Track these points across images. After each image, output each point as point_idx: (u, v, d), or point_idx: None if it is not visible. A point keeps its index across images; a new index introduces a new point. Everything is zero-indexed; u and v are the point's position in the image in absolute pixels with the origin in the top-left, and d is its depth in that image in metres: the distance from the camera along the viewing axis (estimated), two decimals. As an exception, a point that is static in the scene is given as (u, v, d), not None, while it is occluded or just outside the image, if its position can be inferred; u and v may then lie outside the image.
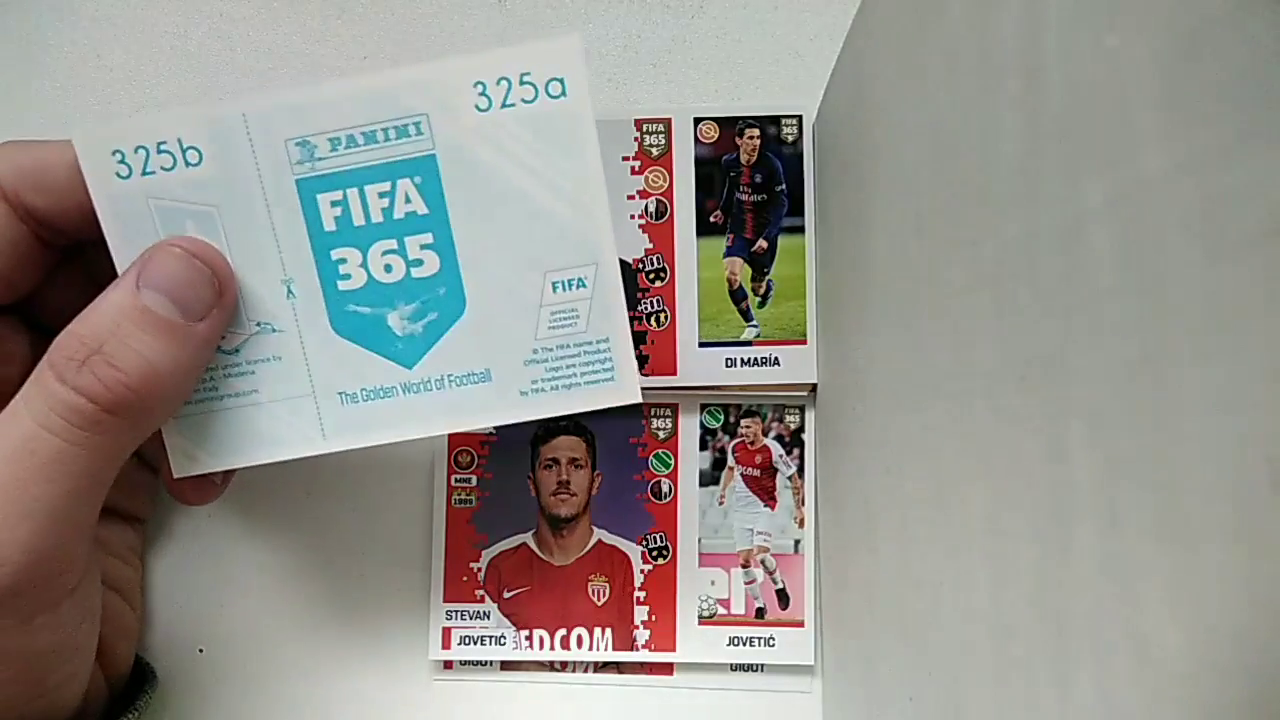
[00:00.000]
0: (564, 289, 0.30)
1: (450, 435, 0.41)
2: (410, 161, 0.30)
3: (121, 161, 0.29)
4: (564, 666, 0.41)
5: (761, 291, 0.41)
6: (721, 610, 0.41)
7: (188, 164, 0.29)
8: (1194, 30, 0.15)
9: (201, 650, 0.41)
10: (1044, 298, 0.20)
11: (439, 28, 0.42)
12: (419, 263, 0.30)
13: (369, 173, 0.30)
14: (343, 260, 0.30)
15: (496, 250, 0.30)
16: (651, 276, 0.40)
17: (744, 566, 0.41)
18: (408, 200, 0.30)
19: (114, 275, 0.29)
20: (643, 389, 0.32)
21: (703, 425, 0.41)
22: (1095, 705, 0.18)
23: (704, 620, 0.41)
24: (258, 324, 0.30)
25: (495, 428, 0.41)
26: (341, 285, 0.30)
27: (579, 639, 0.41)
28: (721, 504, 0.41)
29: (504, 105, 0.29)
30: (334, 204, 0.30)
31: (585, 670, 0.41)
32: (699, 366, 0.40)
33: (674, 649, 0.41)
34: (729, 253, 0.41)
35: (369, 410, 0.31)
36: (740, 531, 0.41)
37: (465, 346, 0.31)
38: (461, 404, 0.31)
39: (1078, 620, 0.19)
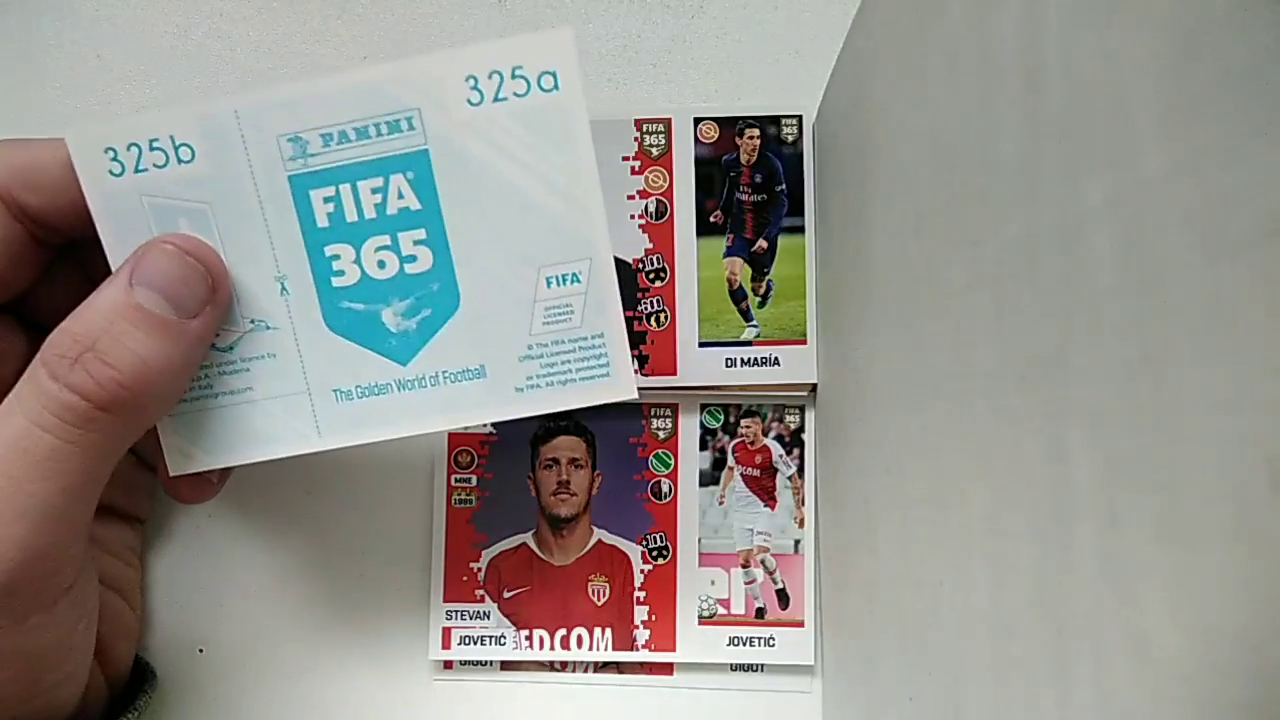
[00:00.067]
0: (558, 284, 0.30)
1: (450, 435, 0.41)
2: (403, 157, 0.29)
3: (114, 159, 0.29)
4: (564, 666, 0.41)
5: (761, 291, 0.41)
6: (721, 610, 0.41)
7: (180, 161, 0.29)
8: (1194, 30, 0.15)
9: (201, 650, 0.41)
10: (1044, 298, 0.20)
11: (439, 28, 0.42)
12: (412, 259, 0.30)
13: (361, 168, 0.29)
14: (336, 256, 0.30)
15: (490, 245, 0.30)
16: (651, 276, 0.40)
17: (744, 566, 0.41)
18: (400, 196, 0.30)
19: (108, 273, 0.28)
20: (643, 389, 0.32)
21: (703, 425, 0.41)
22: (1095, 705, 0.18)
23: (704, 620, 0.41)
24: (252, 321, 0.30)
25: (495, 427, 0.41)
26: (335, 282, 0.30)
27: (579, 639, 0.41)
28: (721, 504, 0.41)
29: (496, 99, 0.29)
30: (327, 200, 0.30)
31: (585, 670, 0.41)
32: (699, 366, 0.40)
33: (674, 649, 0.41)
34: (729, 253, 0.41)
35: (364, 407, 0.31)
36: (740, 531, 0.41)
37: (460, 342, 0.31)
38: (457, 400, 0.31)
39: (1078, 620, 0.19)
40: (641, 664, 0.41)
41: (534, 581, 0.41)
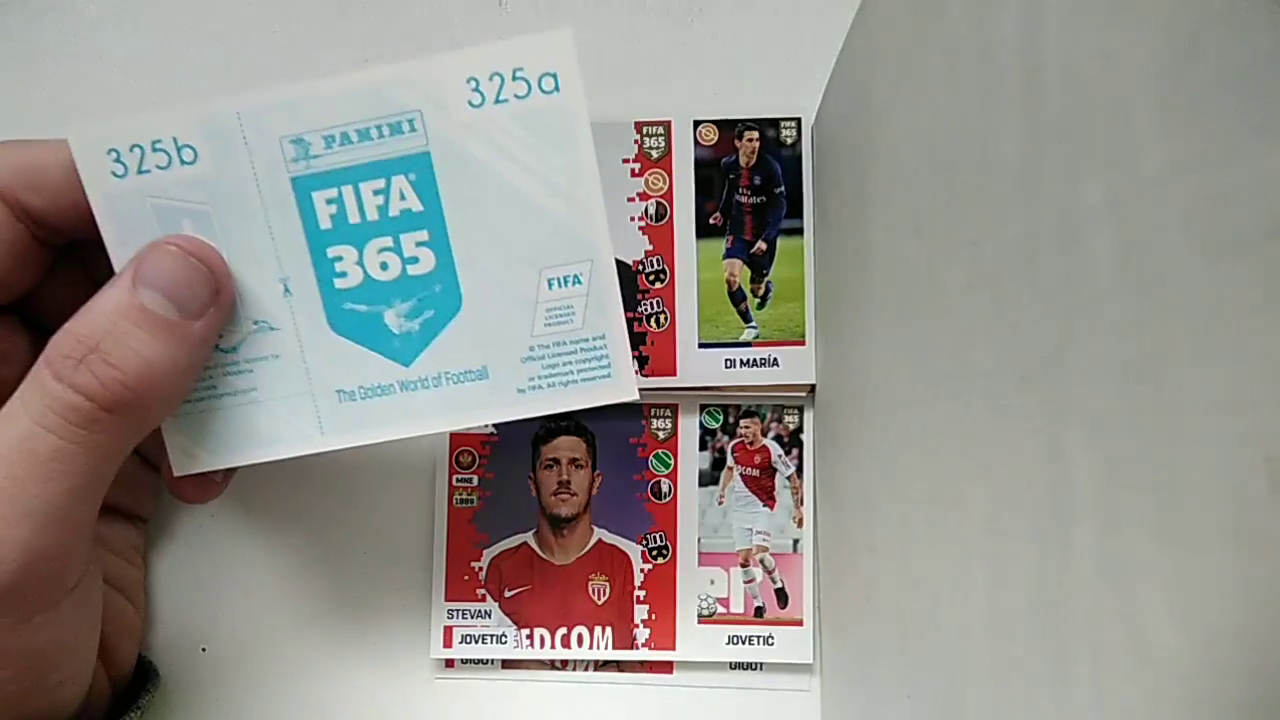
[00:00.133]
0: (559, 286, 0.30)
1: (451, 435, 0.41)
2: (404, 159, 0.30)
3: (117, 160, 0.29)
4: (564, 665, 0.41)
5: (760, 293, 0.41)
6: (721, 609, 0.41)
7: (183, 162, 0.29)
8: (1194, 30, 0.15)
9: (204, 649, 0.41)
10: (1044, 298, 0.20)
11: (439, 30, 0.42)
12: (415, 260, 0.30)
13: (364, 170, 0.29)
14: (339, 258, 0.30)
15: (492, 247, 0.30)
16: (651, 278, 0.40)
17: (743, 566, 0.41)
18: (403, 197, 0.30)
19: (111, 274, 0.29)
20: (643, 389, 0.32)
21: (702, 425, 0.41)
22: (1095, 705, 0.18)
23: (703, 619, 0.41)
24: (255, 322, 0.30)
25: (496, 427, 0.41)
26: (338, 283, 0.30)
27: (579, 638, 0.41)
28: (721, 504, 0.41)
29: (497, 101, 0.29)
30: (329, 202, 0.30)
31: (585, 669, 0.41)
32: (698, 367, 0.40)
33: (674, 648, 0.41)
34: (728, 254, 0.41)
35: (367, 408, 0.31)
36: (739, 531, 0.41)
37: (462, 344, 0.31)
38: (459, 401, 0.31)
39: (1077, 620, 0.19)
40: (641, 662, 0.41)
41: (535, 581, 0.41)
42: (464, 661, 0.41)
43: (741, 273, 0.41)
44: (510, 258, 0.30)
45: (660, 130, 0.41)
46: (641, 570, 0.41)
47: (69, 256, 0.32)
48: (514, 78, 0.29)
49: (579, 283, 0.30)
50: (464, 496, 0.41)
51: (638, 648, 0.41)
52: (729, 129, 0.41)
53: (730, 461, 0.41)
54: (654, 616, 0.41)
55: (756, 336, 0.40)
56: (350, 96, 0.29)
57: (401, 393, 0.31)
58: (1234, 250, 0.14)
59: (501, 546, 0.41)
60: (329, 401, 0.31)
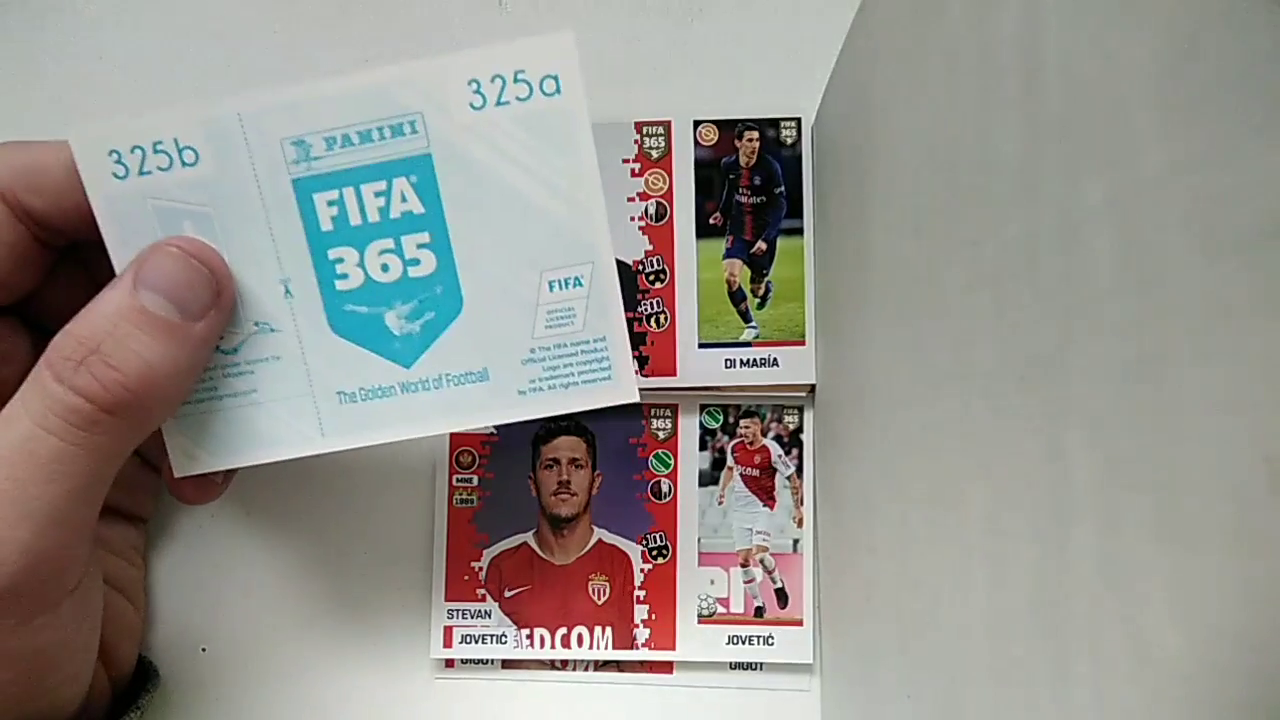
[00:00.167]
0: (560, 288, 0.30)
1: (451, 435, 0.41)
2: (406, 160, 0.30)
3: (118, 162, 0.29)
4: (564, 665, 0.41)
5: (760, 293, 0.41)
6: (721, 609, 0.41)
7: (184, 164, 0.29)
8: (1194, 30, 0.15)
9: (204, 649, 0.41)
10: (1044, 298, 0.20)
11: (440, 31, 0.42)
12: (416, 262, 0.30)
13: (365, 172, 0.29)
14: (340, 260, 0.30)
15: (493, 249, 0.30)
16: (651, 278, 0.40)
17: (743, 566, 0.41)
18: (404, 199, 0.30)
19: (112, 275, 0.29)
20: (643, 389, 0.32)
21: (702, 425, 0.41)
22: (1095, 705, 0.18)
23: (703, 619, 0.41)
24: (256, 324, 0.30)
25: (496, 428, 0.41)
26: (339, 285, 0.30)
27: (579, 638, 0.41)
28: (721, 504, 0.41)
29: (498, 103, 0.29)
30: (330, 203, 0.30)
31: (585, 669, 0.41)
32: (698, 367, 0.40)
33: (674, 648, 0.41)
34: (728, 254, 0.41)
35: (367, 410, 0.31)
36: (739, 531, 0.41)
37: (463, 346, 0.31)
38: (460, 403, 0.31)
39: (1077, 620, 0.19)
40: (641, 662, 0.41)
41: (535, 581, 0.41)
42: (464, 661, 0.41)
43: (741, 273, 0.41)
44: (511, 260, 0.30)
45: (660, 130, 0.41)
46: (641, 570, 0.41)
47: (70, 258, 0.32)
48: (515, 80, 0.29)
49: (580, 285, 0.30)
50: (464, 496, 0.41)
51: (638, 648, 0.41)
52: (729, 129, 0.41)
53: (730, 461, 0.41)
54: (654, 616, 0.41)
55: (756, 336, 0.40)
56: (351, 98, 0.29)
57: (402, 394, 0.31)
58: (1234, 250, 0.14)
59: (501, 546, 0.41)
60: (330, 403, 0.31)
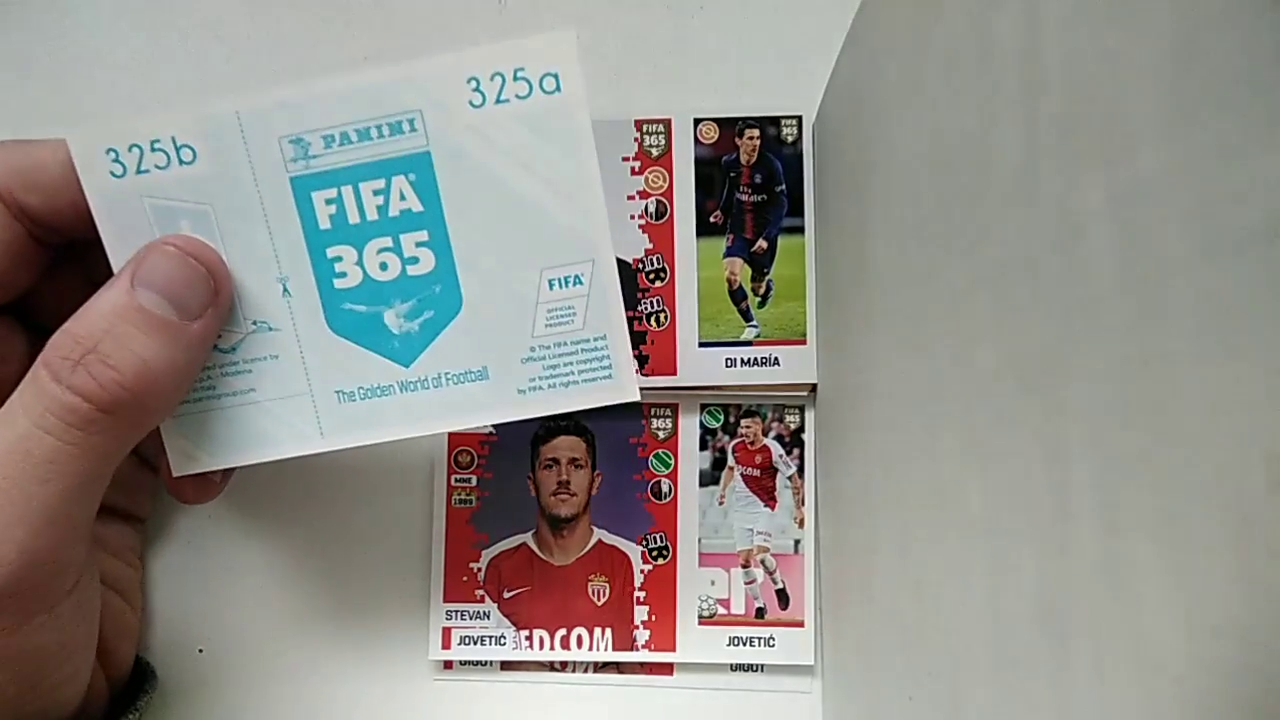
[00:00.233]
0: (560, 286, 0.30)
1: (450, 435, 0.41)
2: (405, 159, 0.29)
3: (116, 160, 0.29)
4: (564, 667, 0.41)
5: (761, 291, 0.41)
6: (721, 610, 0.41)
7: (182, 162, 0.29)
8: (1194, 30, 0.15)
9: (202, 650, 0.41)
10: (1044, 298, 0.20)
11: (440, 29, 0.42)
12: (415, 260, 0.30)
13: (363, 170, 0.29)
14: (338, 258, 0.30)
15: (492, 248, 0.30)
16: (651, 277, 0.40)
17: (744, 566, 0.41)
18: (403, 198, 0.30)
19: (110, 274, 0.28)
20: (643, 389, 0.32)
21: (703, 425, 0.41)
22: (1095, 705, 0.18)
23: (704, 620, 0.41)
24: (254, 323, 0.30)
25: (495, 427, 0.41)
26: (337, 283, 0.30)
27: (579, 639, 0.41)
28: (721, 504, 0.41)
29: (498, 101, 0.29)
30: (329, 202, 0.30)
31: (585, 670, 0.41)
32: (699, 366, 0.40)
33: (674, 649, 0.41)
34: (729, 253, 0.41)
35: (367, 409, 0.31)
36: (740, 531, 0.41)
37: (462, 344, 0.31)
38: (459, 402, 0.31)
39: (1078, 620, 0.19)
40: (641, 664, 0.41)
41: (534, 581, 0.41)
42: (463, 663, 0.41)
43: (742, 271, 0.41)
44: (511, 258, 0.30)
45: (660, 128, 0.41)
46: (641, 571, 0.41)
47: (67, 256, 0.32)
48: (515, 78, 0.29)
49: (580, 283, 0.30)
50: (463, 497, 0.41)
51: (638, 649, 0.41)
52: (729, 127, 0.41)
53: (731, 461, 0.41)
54: (654, 618, 0.41)
55: (757, 335, 0.40)
56: (350, 96, 0.29)
57: (401, 393, 0.31)
58: (1234, 250, 0.14)
59: (500, 547, 0.41)
60: (328, 402, 0.31)
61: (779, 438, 0.41)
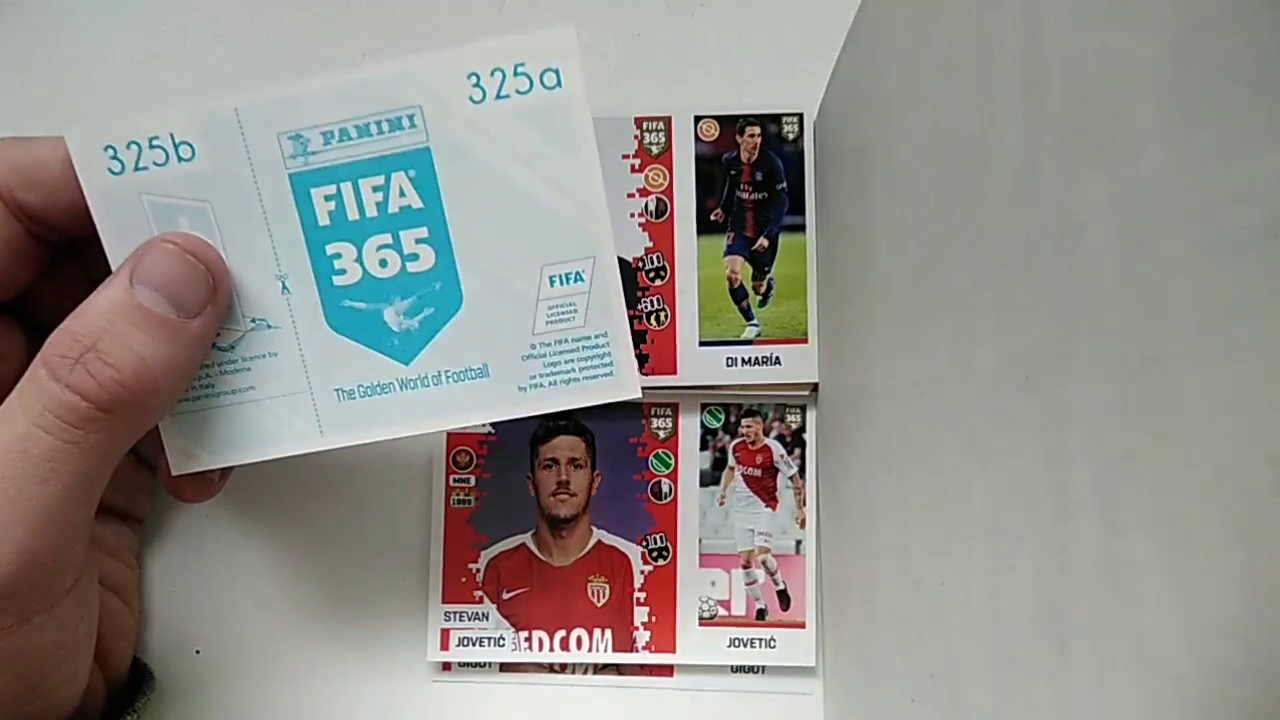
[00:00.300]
0: (561, 283, 0.30)
1: (449, 435, 0.41)
2: (404, 155, 0.29)
3: (114, 157, 0.29)
4: (563, 668, 0.41)
5: (762, 290, 0.41)
6: (722, 611, 0.41)
7: (180, 159, 0.29)
8: (1194, 30, 0.15)
9: (199, 651, 0.41)
10: (1044, 298, 0.20)
11: (440, 26, 0.42)
12: (414, 257, 0.30)
13: (363, 166, 0.29)
14: (338, 255, 0.30)
15: (492, 244, 0.30)
16: (651, 275, 0.40)
17: (745, 567, 0.41)
18: (402, 194, 0.30)
19: (108, 272, 0.28)
20: (643, 388, 0.32)
21: (703, 425, 0.41)
22: (1095, 705, 0.18)
23: (704, 621, 0.41)
24: (253, 320, 0.30)
25: (494, 427, 0.41)
26: (337, 280, 0.30)
27: (578, 640, 0.41)
28: (722, 504, 0.41)
29: (498, 97, 0.29)
30: (328, 198, 0.30)
31: (585, 672, 0.41)
32: (699, 366, 0.40)
33: (674, 650, 0.41)
34: (729, 251, 0.41)
35: (366, 406, 0.31)
36: (741, 532, 0.41)
37: (462, 342, 0.31)
38: (460, 400, 0.31)
39: (1079, 621, 0.19)
40: (641, 665, 0.41)
41: (533, 582, 0.41)
42: (461, 664, 0.41)
43: (743, 270, 0.41)
44: (511, 255, 0.30)
45: (661, 125, 0.40)
46: (641, 572, 0.41)
47: (66, 254, 0.32)
48: (516, 73, 0.29)
49: (581, 280, 0.30)
50: (461, 497, 0.41)
51: (638, 650, 0.41)
52: (730, 124, 0.41)
53: (732, 461, 0.41)
54: (654, 619, 0.41)
55: (758, 334, 0.40)
56: (349, 92, 0.29)
57: (401, 391, 0.31)
58: (1234, 250, 0.14)
59: (499, 548, 0.41)
60: (328, 400, 0.31)
61: (780, 437, 0.41)
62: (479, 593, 0.41)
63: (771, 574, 0.41)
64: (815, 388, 0.41)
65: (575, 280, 0.30)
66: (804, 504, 0.41)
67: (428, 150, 0.29)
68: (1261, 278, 0.14)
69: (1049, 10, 0.20)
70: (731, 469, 0.41)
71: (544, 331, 0.31)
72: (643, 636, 0.41)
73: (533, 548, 0.41)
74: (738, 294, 0.40)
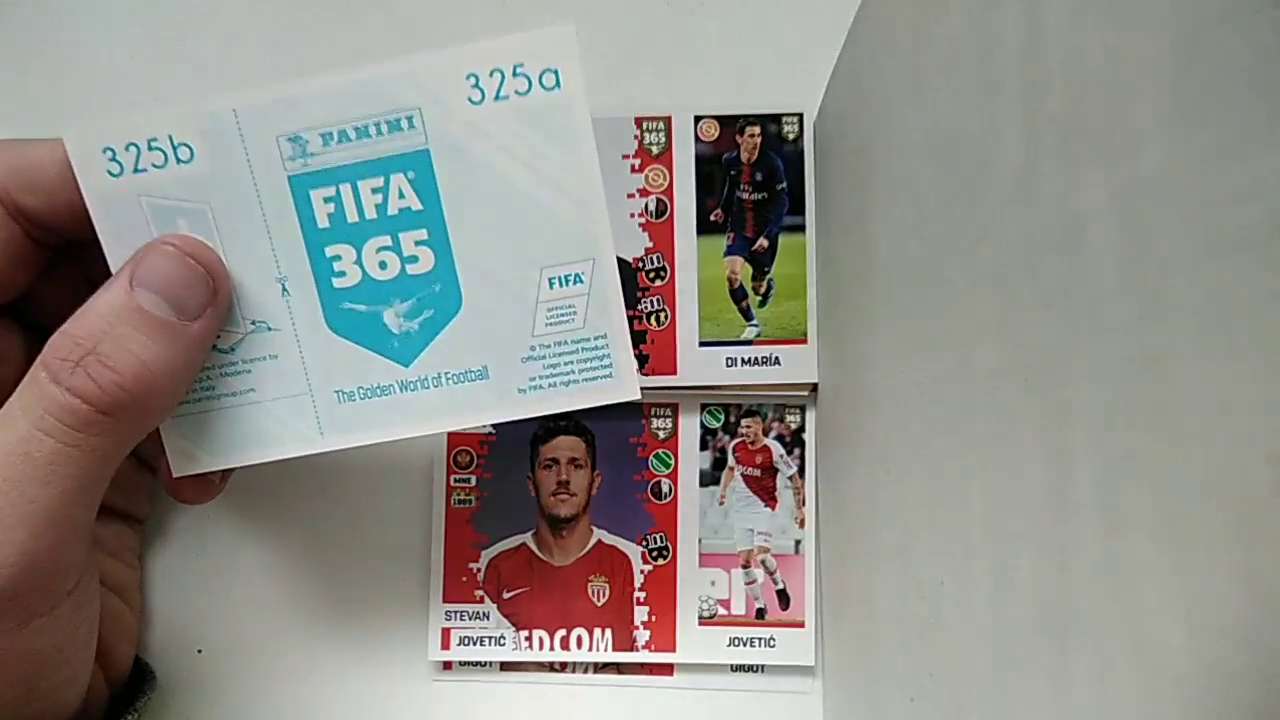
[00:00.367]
0: (560, 285, 0.30)
1: (449, 435, 0.41)
2: (403, 156, 0.29)
3: (113, 159, 0.29)
4: (564, 667, 0.41)
5: (762, 290, 0.41)
6: (722, 611, 0.41)
7: (179, 161, 0.29)
8: (1194, 30, 0.15)
9: (200, 651, 0.41)
10: (1044, 298, 0.20)
11: (439, 27, 0.42)
12: (414, 259, 0.30)
13: (362, 168, 0.29)
14: (337, 257, 0.30)
15: (492, 246, 0.30)
16: (651, 275, 0.40)
17: (744, 567, 0.41)
18: (401, 196, 0.30)
19: (108, 274, 0.28)
20: (643, 388, 0.32)
21: (703, 425, 0.41)
22: (1095, 705, 0.18)
23: (704, 621, 0.41)
24: (253, 322, 0.30)
25: (495, 427, 0.41)
26: (336, 283, 0.30)
27: (579, 639, 0.41)
28: (722, 504, 0.41)
29: (497, 98, 0.29)
30: (327, 200, 0.29)
31: (585, 671, 0.41)
32: (699, 366, 0.40)
33: (674, 649, 0.41)
34: (729, 251, 0.41)
35: (366, 408, 0.31)
36: (741, 532, 0.41)
37: (462, 344, 0.31)
38: (460, 402, 0.31)
39: (1079, 620, 0.19)
40: (641, 665, 0.41)
41: (533, 582, 0.41)
42: (462, 664, 0.41)
43: (743, 270, 0.41)
44: (511, 256, 0.30)
45: (661, 126, 0.40)
46: (641, 571, 0.41)
47: (65, 256, 0.32)
48: (515, 74, 0.29)
49: (580, 281, 0.30)
50: (462, 497, 0.41)
51: (638, 650, 0.41)
52: (730, 124, 0.41)
53: (731, 461, 0.41)
54: (654, 618, 0.41)
55: (758, 335, 0.40)
56: (348, 94, 0.29)
57: (401, 393, 0.31)
58: (1235, 249, 0.14)
59: (500, 547, 0.41)
60: (328, 402, 0.31)
61: (779, 437, 0.41)
62: (480, 592, 0.41)
63: (771, 573, 0.41)
64: (815, 388, 0.41)
65: (575, 282, 0.30)
66: (803, 504, 0.41)
67: (427, 152, 0.29)
68: (1262, 278, 0.14)
69: (1049, 10, 0.20)
70: (731, 469, 0.41)
71: (543, 333, 0.31)
72: (643, 636, 0.41)
73: (533, 547, 0.41)
74: (737, 294, 0.40)
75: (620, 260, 0.40)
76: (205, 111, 0.29)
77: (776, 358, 0.40)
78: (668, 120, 0.40)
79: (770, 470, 0.41)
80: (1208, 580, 0.15)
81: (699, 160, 0.40)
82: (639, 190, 0.40)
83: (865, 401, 0.33)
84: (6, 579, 0.26)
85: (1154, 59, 0.16)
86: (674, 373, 0.40)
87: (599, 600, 0.41)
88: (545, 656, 0.41)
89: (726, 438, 0.41)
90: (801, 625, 0.41)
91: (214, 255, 0.29)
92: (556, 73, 0.29)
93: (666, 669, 0.41)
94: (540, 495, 0.41)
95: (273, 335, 0.30)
